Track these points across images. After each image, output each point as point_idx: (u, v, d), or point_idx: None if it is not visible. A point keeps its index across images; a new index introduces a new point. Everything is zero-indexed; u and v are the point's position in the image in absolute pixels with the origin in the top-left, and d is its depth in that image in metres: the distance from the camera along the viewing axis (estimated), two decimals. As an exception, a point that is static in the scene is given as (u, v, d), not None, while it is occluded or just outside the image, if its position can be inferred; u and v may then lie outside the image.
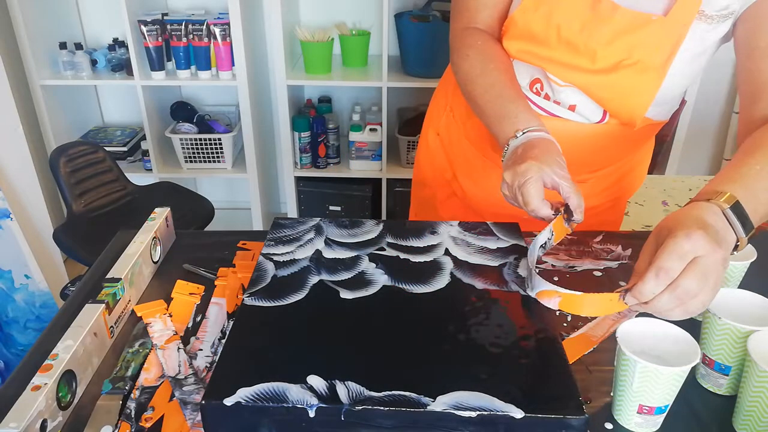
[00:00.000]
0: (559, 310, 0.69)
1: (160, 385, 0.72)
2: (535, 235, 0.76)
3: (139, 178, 2.30)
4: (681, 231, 0.61)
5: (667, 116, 0.97)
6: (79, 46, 2.46)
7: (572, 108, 0.94)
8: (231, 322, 0.82)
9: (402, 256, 0.82)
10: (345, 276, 0.78)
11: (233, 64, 2.35)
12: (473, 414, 0.57)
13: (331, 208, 2.63)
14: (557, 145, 0.81)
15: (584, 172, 1.05)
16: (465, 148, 1.13)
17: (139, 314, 0.84)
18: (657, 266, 0.61)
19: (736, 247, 0.67)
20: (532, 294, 0.72)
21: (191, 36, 2.32)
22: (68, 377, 0.68)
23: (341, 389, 0.59)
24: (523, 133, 0.83)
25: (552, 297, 0.69)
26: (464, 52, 0.95)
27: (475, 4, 0.97)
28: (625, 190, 1.14)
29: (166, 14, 2.37)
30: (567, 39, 0.88)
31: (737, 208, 0.66)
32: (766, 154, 0.72)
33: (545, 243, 0.78)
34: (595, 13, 0.86)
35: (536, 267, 0.76)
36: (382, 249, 0.84)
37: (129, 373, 0.73)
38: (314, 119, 2.49)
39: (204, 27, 2.30)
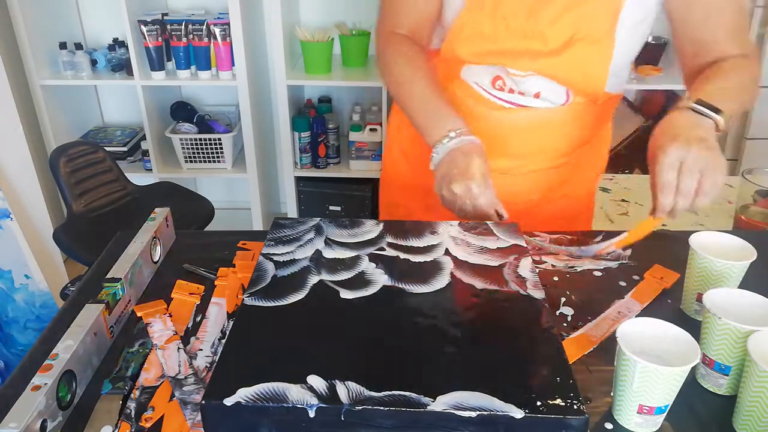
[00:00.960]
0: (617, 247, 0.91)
1: (160, 385, 0.72)
2: (536, 235, 0.78)
3: (139, 178, 2.30)
4: (659, 150, 0.79)
5: (621, 89, 1.05)
6: (79, 46, 2.46)
7: (537, 95, 0.99)
8: (231, 322, 0.82)
9: (402, 256, 0.82)
10: (345, 276, 0.78)
11: (233, 64, 2.35)
12: (473, 414, 0.57)
13: (331, 208, 2.63)
14: (482, 146, 0.92)
15: (559, 157, 1.09)
16: None
17: (139, 314, 0.84)
18: (660, 184, 0.79)
19: (716, 129, 0.82)
20: (590, 254, 0.93)
21: (191, 36, 2.32)
22: (68, 377, 0.68)
23: (341, 389, 0.59)
24: (456, 134, 0.92)
25: (608, 249, 0.92)
26: (393, 58, 1.01)
27: (400, 10, 1.01)
28: (594, 168, 1.19)
29: (166, 14, 2.37)
30: (516, 28, 0.93)
31: (701, 102, 0.83)
32: (722, 79, 0.89)
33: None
34: None
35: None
36: (382, 249, 0.84)
37: (129, 373, 0.73)
38: (314, 119, 2.49)
39: (204, 27, 2.30)
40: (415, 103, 0.98)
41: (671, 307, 0.87)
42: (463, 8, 0.95)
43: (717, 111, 0.83)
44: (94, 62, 2.45)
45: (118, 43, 2.47)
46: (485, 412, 0.57)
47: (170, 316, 0.84)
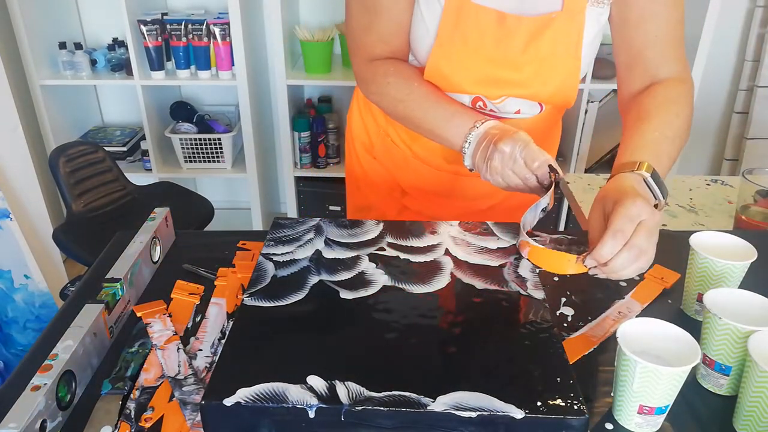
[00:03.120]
0: (528, 259, 0.81)
1: (159, 385, 0.72)
2: (536, 235, 0.77)
3: (138, 178, 2.30)
4: (627, 199, 0.72)
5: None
6: (78, 46, 2.46)
7: (518, 112, 1.03)
8: (231, 322, 0.82)
9: (402, 256, 0.82)
10: (345, 276, 0.78)
11: (233, 64, 2.35)
12: (473, 414, 0.57)
13: (331, 208, 2.63)
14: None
15: None
16: (416, 167, 1.14)
17: (138, 314, 0.84)
18: (613, 229, 0.71)
19: (656, 207, 0.78)
20: (516, 243, 0.84)
21: (191, 36, 2.32)
22: (68, 377, 0.68)
23: (341, 389, 0.59)
24: (482, 123, 0.90)
25: (525, 248, 0.82)
26: (383, 81, 0.99)
27: (375, 40, 1.00)
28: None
29: (166, 14, 2.37)
30: (486, 59, 0.95)
31: (655, 176, 0.80)
32: (659, 121, 0.87)
33: (546, 207, 0.86)
34: (503, 28, 0.92)
35: (530, 227, 0.87)
36: (382, 249, 0.84)
37: (129, 373, 0.73)
38: (314, 119, 2.49)
39: (204, 27, 2.30)
40: (423, 113, 0.96)
41: (671, 307, 0.87)
42: (435, 43, 0.96)
43: (663, 191, 0.81)
44: (93, 62, 2.44)
45: (117, 43, 2.47)
46: (485, 413, 0.57)
47: (170, 316, 0.84)
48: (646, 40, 0.93)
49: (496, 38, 0.93)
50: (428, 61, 0.97)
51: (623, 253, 0.70)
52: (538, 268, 0.80)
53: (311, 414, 0.58)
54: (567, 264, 0.76)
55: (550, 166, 0.85)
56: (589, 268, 0.75)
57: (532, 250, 0.80)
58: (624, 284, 0.91)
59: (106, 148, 2.01)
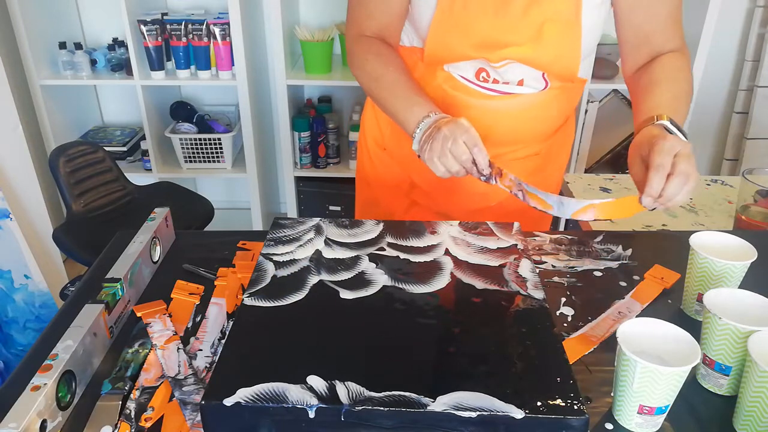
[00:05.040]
0: (595, 219, 0.87)
1: (159, 385, 0.72)
2: (536, 235, 0.77)
3: (138, 178, 2.30)
4: (659, 138, 0.82)
5: (588, 73, 1.10)
6: (78, 46, 2.46)
7: (521, 83, 1.04)
8: (231, 322, 0.82)
9: (402, 256, 0.82)
10: (345, 276, 0.78)
11: (233, 64, 2.35)
12: (473, 414, 0.57)
13: (331, 208, 2.63)
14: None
15: (539, 142, 1.14)
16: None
17: (138, 314, 0.84)
18: (655, 165, 0.80)
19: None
20: (567, 216, 0.86)
21: (191, 36, 2.32)
22: (68, 377, 0.68)
23: (341, 389, 0.59)
24: (435, 114, 0.95)
25: (588, 211, 0.86)
26: (363, 57, 1.05)
27: (367, 13, 1.06)
28: (562, 156, 1.24)
29: (166, 14, 2.37)
30: (487, 24, 0.98)
31: (674, 123, 0.89)
32: (670, 85, 0.96)
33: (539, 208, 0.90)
34: None
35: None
36: (382, 249, 0.84)
37: (128, 373, 0.73)
38: (314, 119, 2.49)
39: (204, 27, 2.30)
40: (390, 95, 1.02)
41: (672, 307, 0.87)
42: (435, 11, 0.99)
43: (685, 135, 0.88)
44: (93, 62, 2.44)
45: (117, 43, 2.46)
46: (485, 413, 0.57)
47: (170, 316, 0.84)
48: (654, 22, 1.01)
49: (497, 2, 0.96)
50: (430, 30, 1.01)
51: (673, 180, 0.79)
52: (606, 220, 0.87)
53: (311, 414, 0.58)
54: (632, 207, 0.84)
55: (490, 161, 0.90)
56: (647, 206, 0.83)
57: (600, 208, 0.85)
58: (624, 284, 0.91)
59: (106, 148, 2.01)
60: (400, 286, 0.75)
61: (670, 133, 0.87)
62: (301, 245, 0.84)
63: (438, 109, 0.97)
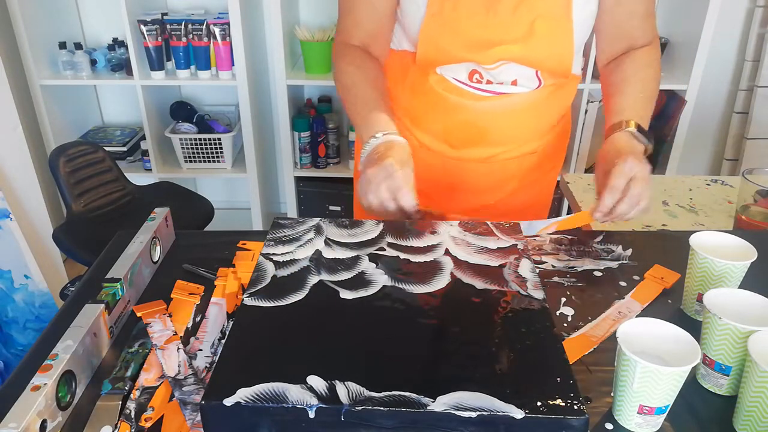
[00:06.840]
0: (555, 232, 0.99)
1: (159, 385, 0.72)
2: (536, 235, 0.78)
3: (138, 178, 2.30)
4: (619, 159, 0.89)
5: (579, 69, 1.12)
6: (78, 46, 2.46)
7: (515, 83, 1.04)
8: (231, 322, 0.82)
9: (402, 256, 0.82)
10: (345, 276, 0.78)
11: (233, 64, 2.35)
12: (473, 414, 0.57)
13: (331, 208, 2.63)
14: (406, 143, 0.96)
15: (534, 140, 1.14)
16: (423, 156, 1.15)
17: (138, 314, 0.84)
18: (609, 186, 0.88)
19: (645, 151, 0.97)
20: (533, 233, 0.96)
21: (191, 36, 2.32)
22: (68, 377, 0.68)
23: (341, 389, 0.59)
24: (383, 134, 0.95)
25: (550, 228, 0.96)
26: (345, 68, 1.07)
27: (351, 23, 1.08)
28: (557, 155, 1.25)
29: (166, 14, 2.37)
30: (477, 24, 0.98)
31: (640, 129, 0.97)
32: (639, 83, 1.04)
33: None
34: None
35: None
36: (382, 249, 0.84)
37: (129, 373, 0.73)
38: (314, 119, 2.49)
39: (204, 27, 2.30)
40: (357, 107, 1.03)
41: (672, 307, 0.87)
42: (425, 14, 0.99)
43: (648, 138, 0.97)
44: (93, 62, 2.44)
45: (117, 43, 2.46)
46: (485, 413, 0.57)
47: (170, 316, 0.84)
48: (634, 18, 1.05)
49: (486, 1, 0.97)
50: (420, 33, 1.01)
51: (624, 201, 0.88)
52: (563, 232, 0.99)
53: (311, 414, 0.58)
54: (584, 219, 0.95)
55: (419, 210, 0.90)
56: (597, 219, 0.91)
57: (560, 223, 0.97)
58: (624, 284, 0.91)
59: (106, 148, 2.01)
60: (400, 286, 0.75)
61: (637, 140, 0.96)
62: (301, 245, 0.84)
63: (390, 128, 0.96)
